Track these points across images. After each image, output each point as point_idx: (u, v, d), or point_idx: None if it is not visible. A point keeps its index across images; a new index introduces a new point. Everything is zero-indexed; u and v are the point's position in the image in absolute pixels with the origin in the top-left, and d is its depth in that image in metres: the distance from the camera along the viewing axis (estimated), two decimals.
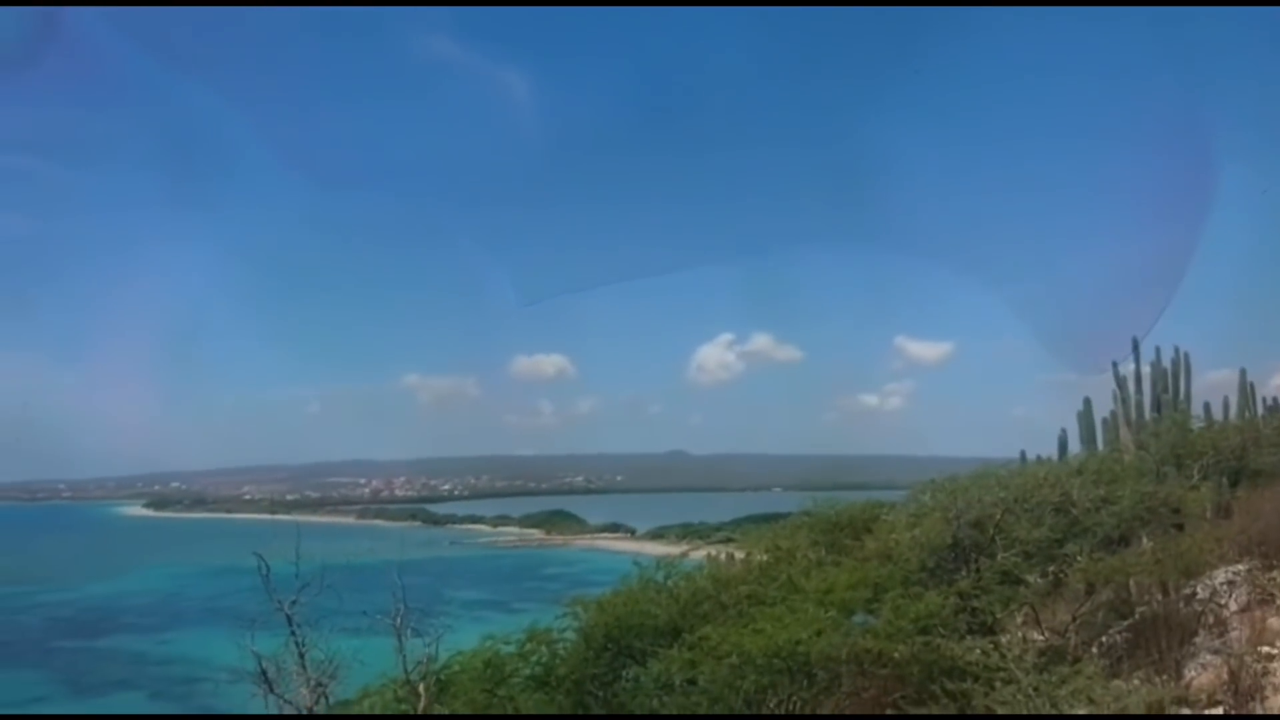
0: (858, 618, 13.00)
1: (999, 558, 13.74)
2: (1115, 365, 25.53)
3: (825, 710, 11.94)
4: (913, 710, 11.52)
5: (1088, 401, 26.17)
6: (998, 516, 14.12)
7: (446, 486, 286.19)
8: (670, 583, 14.90)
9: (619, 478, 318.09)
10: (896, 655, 11.45)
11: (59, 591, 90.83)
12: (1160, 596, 14.63)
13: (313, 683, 7.99)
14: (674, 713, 12.05)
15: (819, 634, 11.53)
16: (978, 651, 11.42)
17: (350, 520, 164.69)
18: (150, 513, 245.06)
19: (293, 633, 8.04)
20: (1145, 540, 15.49)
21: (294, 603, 8.07)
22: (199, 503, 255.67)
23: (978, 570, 13.70)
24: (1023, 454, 24.96)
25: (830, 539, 16.47)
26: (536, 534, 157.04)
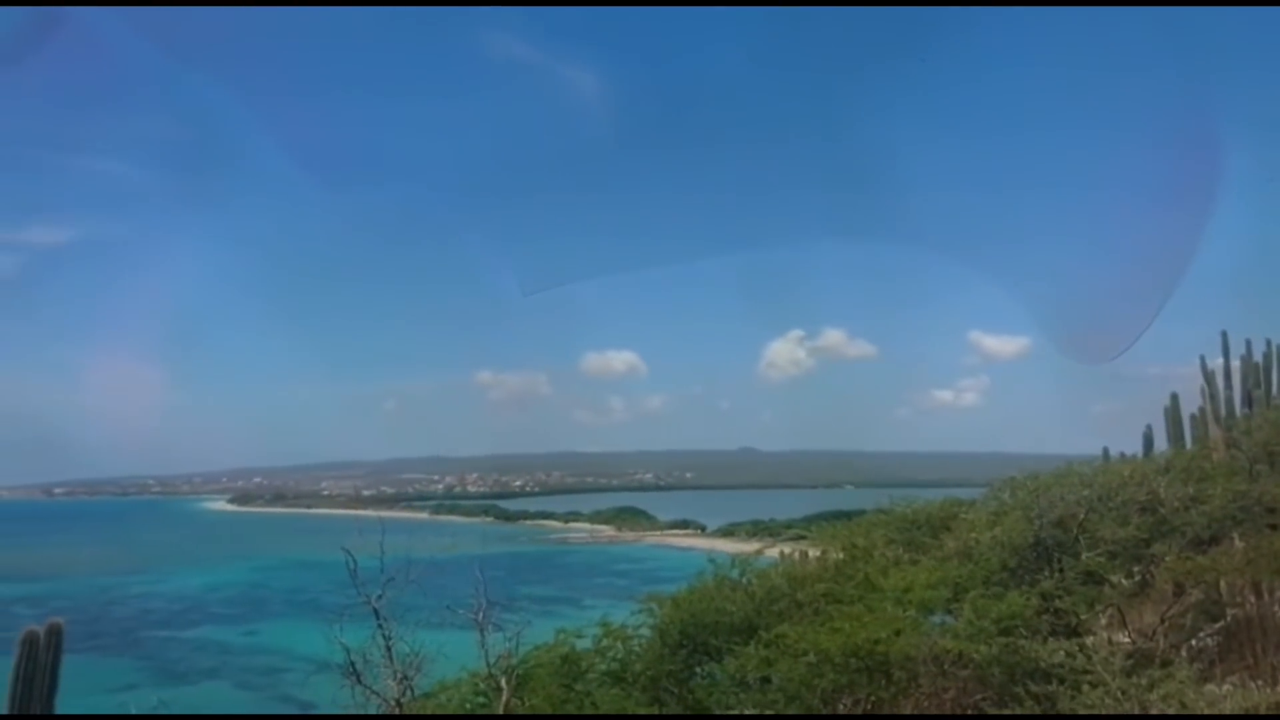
0: (937, 617, 12.84)
1: (1083, 557, 13.44)
2: (1203, 359, 24.71)
3: (905, 711, 11.81)
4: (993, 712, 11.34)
5: (1174, 397, 25.44)
6: (1081, 515, 13.81)
7: (518, 483, 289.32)
8: (745, 580, 14.90)
9: (688, 474, 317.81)
10: (978, 656, 11.25)
11: (149, 583, 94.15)
12: (1253, 599, 14.13)
13: (399, 675, 8.18)
14: (751, 711, 12.02)
15: (898, 633, 11.41)
16: (1062, 653, 11.16)
17: (424, 516, 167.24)
18: (234, 508, 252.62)
19: (380, 625, 8.25)
20: (1237, 540, 14.98)
21: (379, 596, 8.26)
22: (280, 498, 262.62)
23: (1061, 570, 13.42)
24: (1105, 451, 24.36)
25: (907, 537, 16.28)
26: (607, 530, 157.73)
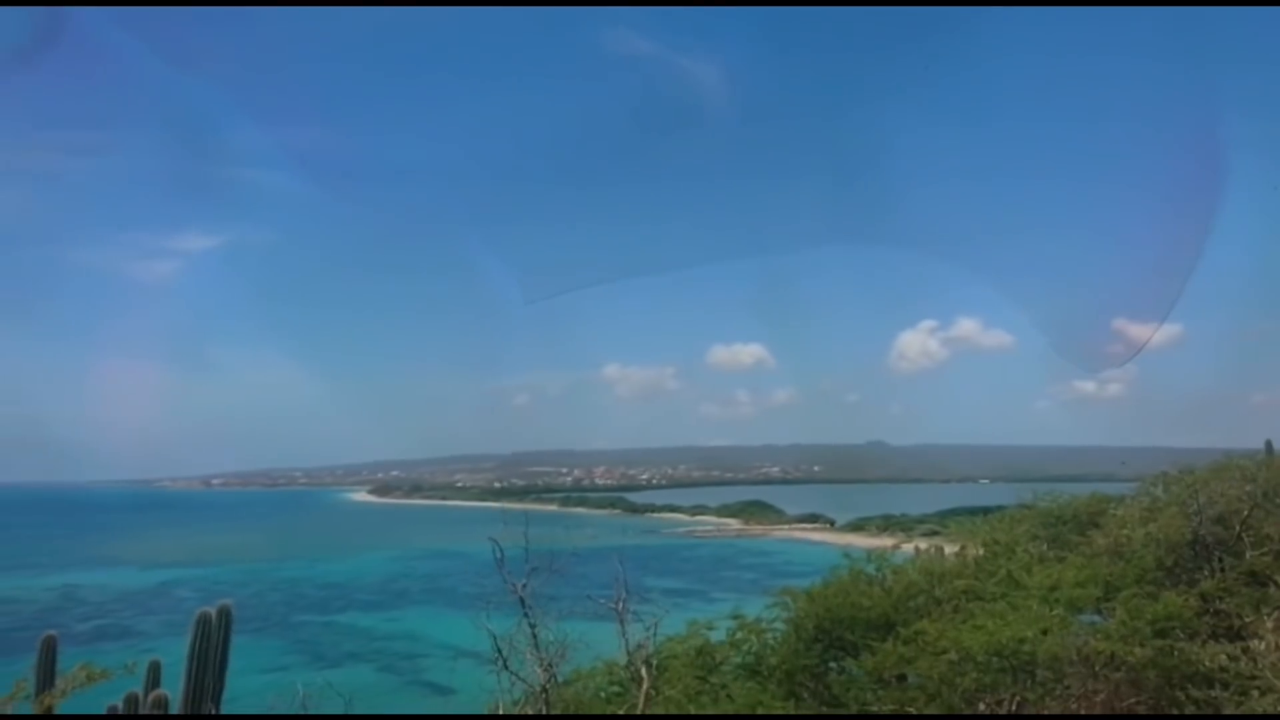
0: (1086, 617, 12.35)
1: (1246, 556, 12.71)
2: None
3: (1051, 713, 11.42)
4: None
5: None
6: (1245, 512, 13.05)
7: (644, 476, 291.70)
8: (880, 575, 14.68)
9: (816, 468, 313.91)
10: (1132, 659, 10.77)
11: (297, 569, 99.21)
12: None
13: (545, 662, 8.41)
14: (889, 709, 11.84)
15: (1044, 633, 11.03)
16: (1224, 657, 10.58)
17: (553, 508, 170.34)
18: (374, 498, 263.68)
19: (525, 614, 8.50)
20: None
21: (525, 585, 8.52)
22: (416, 489, 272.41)
23: (1222, 569, 12.72)
24: (1269, 444, 22.80)
25: (1052, 533, 15.70)
26: (734, 524, 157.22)
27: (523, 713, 8.92)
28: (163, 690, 12.72)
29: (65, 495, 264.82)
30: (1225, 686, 10.14)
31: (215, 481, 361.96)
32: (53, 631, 13.68)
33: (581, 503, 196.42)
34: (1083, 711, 11.17)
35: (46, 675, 12.38)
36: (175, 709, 12.85)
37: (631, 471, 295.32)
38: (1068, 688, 11.38)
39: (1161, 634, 11.10)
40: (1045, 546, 15.24)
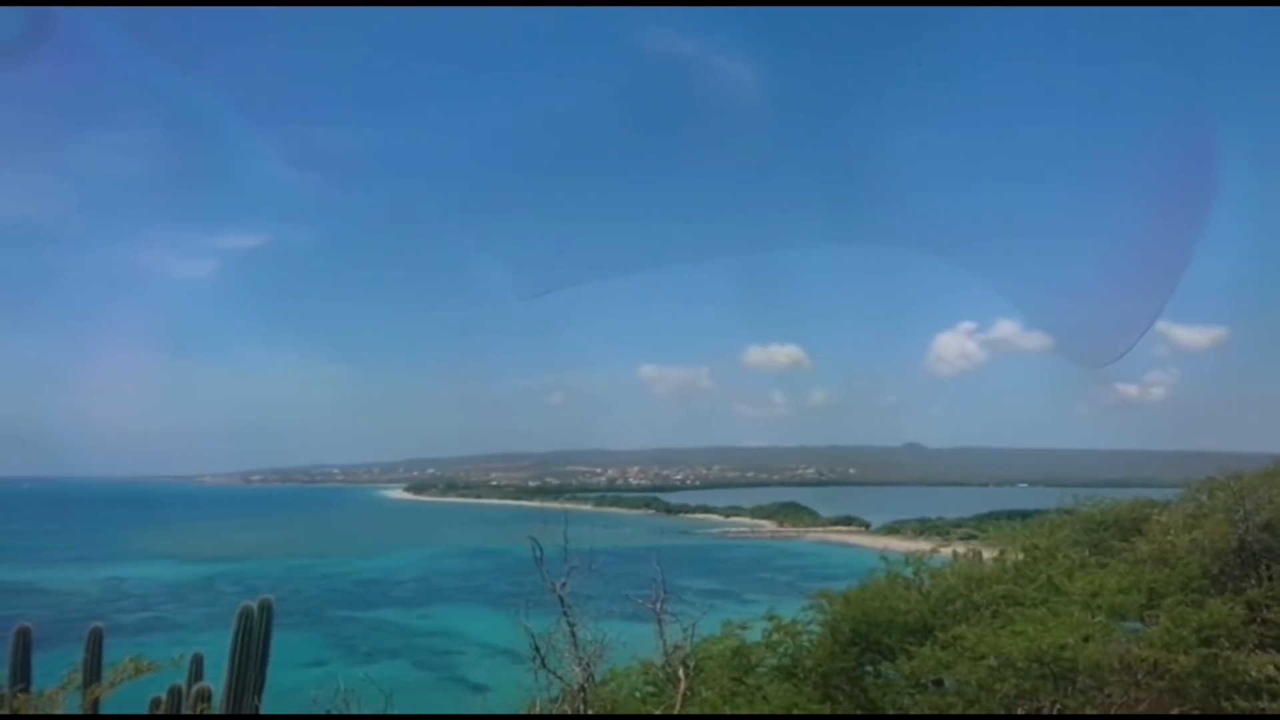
0: (1128, 624, 12.17)
1: None
2: None
3: None
4: None
5: None
6: None
7: (679, 476, 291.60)
8: (918, 579, 14.57)
9: (851, 470, 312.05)
10: (1176, 667, 10.59)
11: (334, 565, 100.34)
12: None
13: (583, 661, 8.45)
14: (928, 714, 11.75)
15: (1086, 639, 10.89)
16: (1272, 667, 10.39)
17: (587, 508, 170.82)
18: (410, 496, 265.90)
19: (564, 613, 8.54)
20: None
21: (563, 584, 8.56)
22: (452, 487, 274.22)
23: (1269, 578, 12.45)
24: None
25: (1094, 539, 15.48)
26: (768, 525, 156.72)
27: (561, 711, 8.96)
28: (206, 683, 12.97)
29: (110, 490, 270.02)
30: (1273, 697, 9.96)
31: (255, 478, 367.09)
32: (99, 623, 13.99)
33: (616, 502, 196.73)
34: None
35: (94, 666, 12.66)
36: (218, 701, 13.09)
37: (666, 472, 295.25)
38: (1109, 695, 11.21)
39: (1206, 642, 10.91)
40: (1087, 552, 15.03)
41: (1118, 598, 12.04)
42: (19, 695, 10.68)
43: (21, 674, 12.23)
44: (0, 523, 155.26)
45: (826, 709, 12.83)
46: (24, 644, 12.49)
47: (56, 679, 11.60)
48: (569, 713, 8.76)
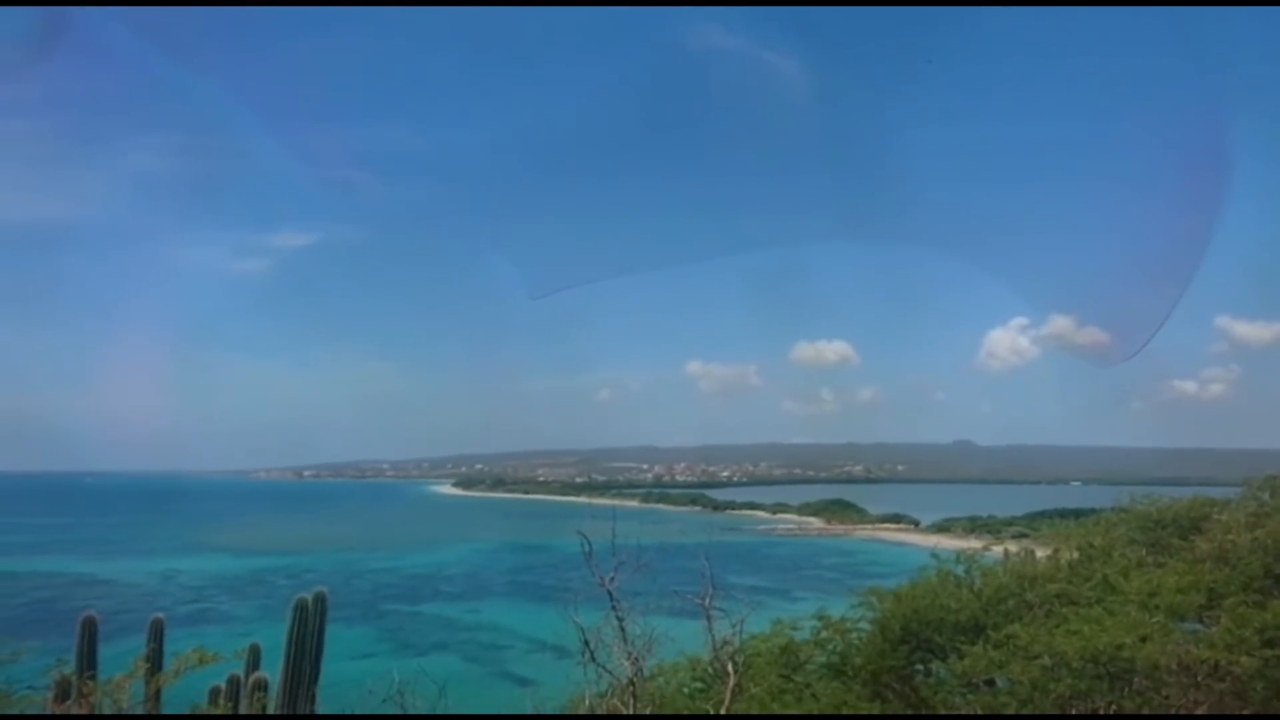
0: (1187, 625, 11.91)
1: None
2: None
3: None
4: None
5: None
6: None
7: (725, 473, 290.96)
8: (970, 577, 14.40)
9: (900, 467, 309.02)
10: (1238, 668, 10.35)
11: (385, 560, 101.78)
12: None
13: (632, 656, 8.51)
14: (980, 714, 11.62)
15: (1144, 639, 10.66)
16: None
17: (634, 504, 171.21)
18: (458, 491, 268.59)
19: (613, 607, 8.60)
20: None
21: (612, 579, 8.62)
22: (499, 483, 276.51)
23: None
24: None
25: (1151, 537, 15.16)
26: (816, 523, 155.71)
27: (611, 705, 9.02)
28: (263, 673, 13.24)
29: (168, 484, 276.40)
30: None
31: (306, 473, 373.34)
32: (160, 614, 14.36)
33: (662, 499, 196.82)
34: None
35: (156, 656, 13.00)
36: (274, 691, 13.37)
37: (712, 468, 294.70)
38: (1167, 697, 11.00)
39: (1270, 644, 10.63)
40: (1144, 551, 14.73)
41: (1176, 597, 11.78)
42: (87, 682, 11.00)
43: (88, 662, 12.62)
44: (62, 516, 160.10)
45: (876, 708, 12.73)
46: (90, 633, 12.88)
47: (117, 667, 11.94)
48: (618, 707, 8.82)
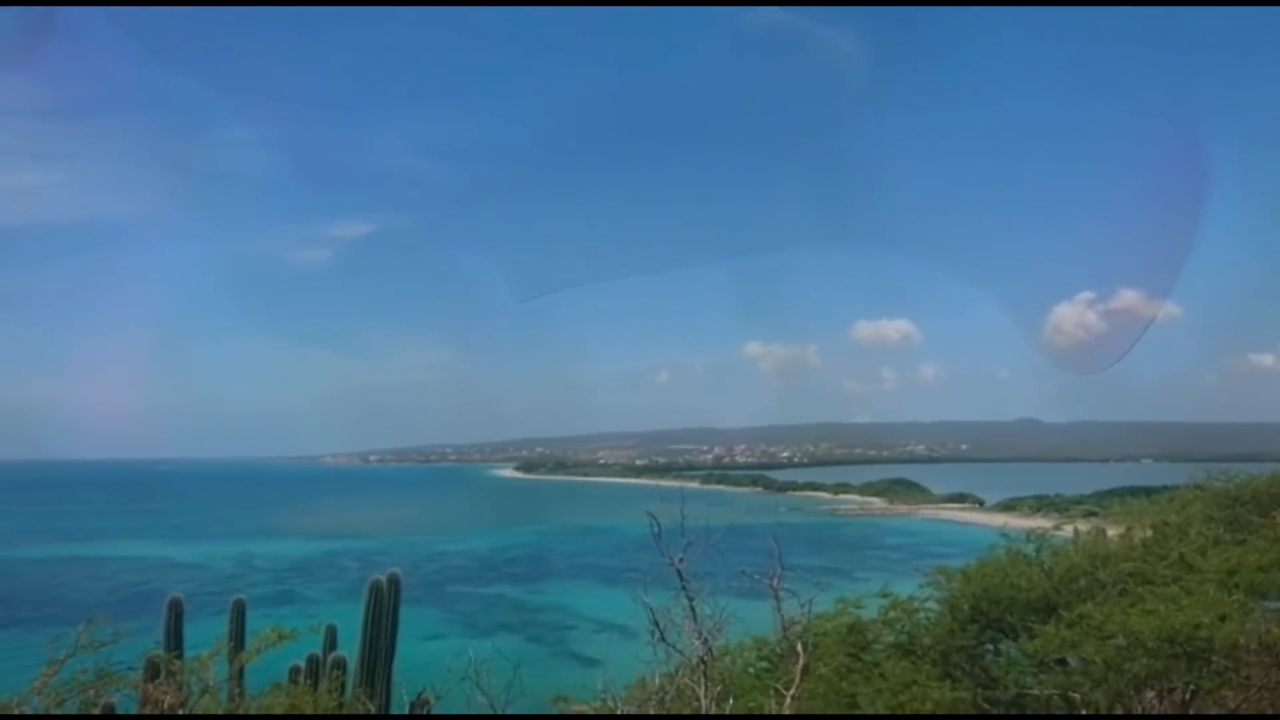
0: (1269, 603, 11.65)
1: None
2: None
3: (1229, 704, 10.86)
4: None
5: None
6: None
7: (785, 454, 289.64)
8: (1040, 556, 14.20)
9: (964, 446, 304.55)
10: None
11: (450, 542, 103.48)
12: None
13: (702, 635, 8.60)
14: (1051, 692, 11.50)
15: (1222, 618, 10.45)
16: None
17: (694, 485, 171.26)
18: (520, 475, 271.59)
19: (684, 587, 8.70)
20: None
21: (681, 559, 8.71)
22: (560, 466, 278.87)
23: None
24: None
25: (1229, 515, 14.82)
26: (878, 503, 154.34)
27: (681, 684, 9.15)
28: (340, 652, 13.63)
29: (243, 470, 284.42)
30: None
31: (373, 458, 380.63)
32: (241, 596, 14.86)
33: (722, 480, 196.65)
34: (1265, 705, 10.59)
35: (238, 634, 13.47)
36: (351, 670, 13.77)
37: (772, 449, 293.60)
38: (1247, 678, 10.78)
39: None
40: (1221, 529, 14.41)
41: (1257, 575, 11.51)
42: (173, 660, 11.45)
43: (175, 641, 13.13)
44: (139, 502, 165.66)
45: (946, 687, 12.64)
46: (176, 614, 13.40)
47: (202, 646, 12.40)
48: (688, 686, 8.93)
